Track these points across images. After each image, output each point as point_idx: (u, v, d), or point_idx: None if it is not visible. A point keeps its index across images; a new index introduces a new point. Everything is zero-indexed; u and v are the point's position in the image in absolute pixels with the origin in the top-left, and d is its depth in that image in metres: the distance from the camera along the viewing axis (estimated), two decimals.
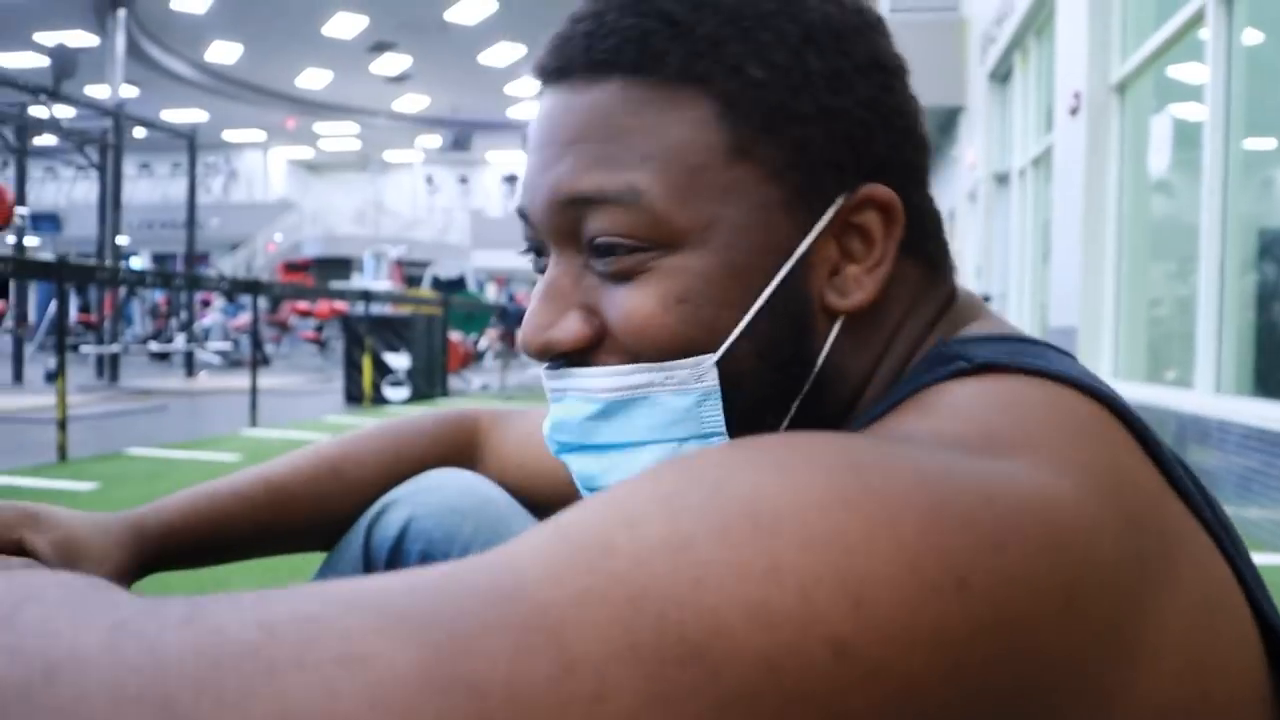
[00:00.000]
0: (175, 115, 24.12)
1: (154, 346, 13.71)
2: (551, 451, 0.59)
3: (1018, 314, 8.76)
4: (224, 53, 20.85)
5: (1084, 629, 0.36)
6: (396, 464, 0.88)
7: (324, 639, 0.31)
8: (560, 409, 0.56)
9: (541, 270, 0.58)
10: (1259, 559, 3.22)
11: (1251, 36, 4.50)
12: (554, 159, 0.54)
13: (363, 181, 32.71)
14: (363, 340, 8.56)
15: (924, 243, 0.58)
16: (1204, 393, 4.47)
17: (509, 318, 12.56)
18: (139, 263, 26.34)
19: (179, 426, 6.83)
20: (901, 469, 0.37)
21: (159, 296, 16.90)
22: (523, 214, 0.57)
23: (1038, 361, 0.48)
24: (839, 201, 0.54)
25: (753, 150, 0.52)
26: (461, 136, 25.37)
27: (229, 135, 29.04)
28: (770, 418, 0.55)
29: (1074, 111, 6.28)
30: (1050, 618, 0.35)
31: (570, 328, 0.54)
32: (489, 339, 14.95)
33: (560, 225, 0.54)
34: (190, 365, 11.98)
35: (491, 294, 20.07)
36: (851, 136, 0.54)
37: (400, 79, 22.95)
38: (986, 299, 8.82)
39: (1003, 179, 9.50)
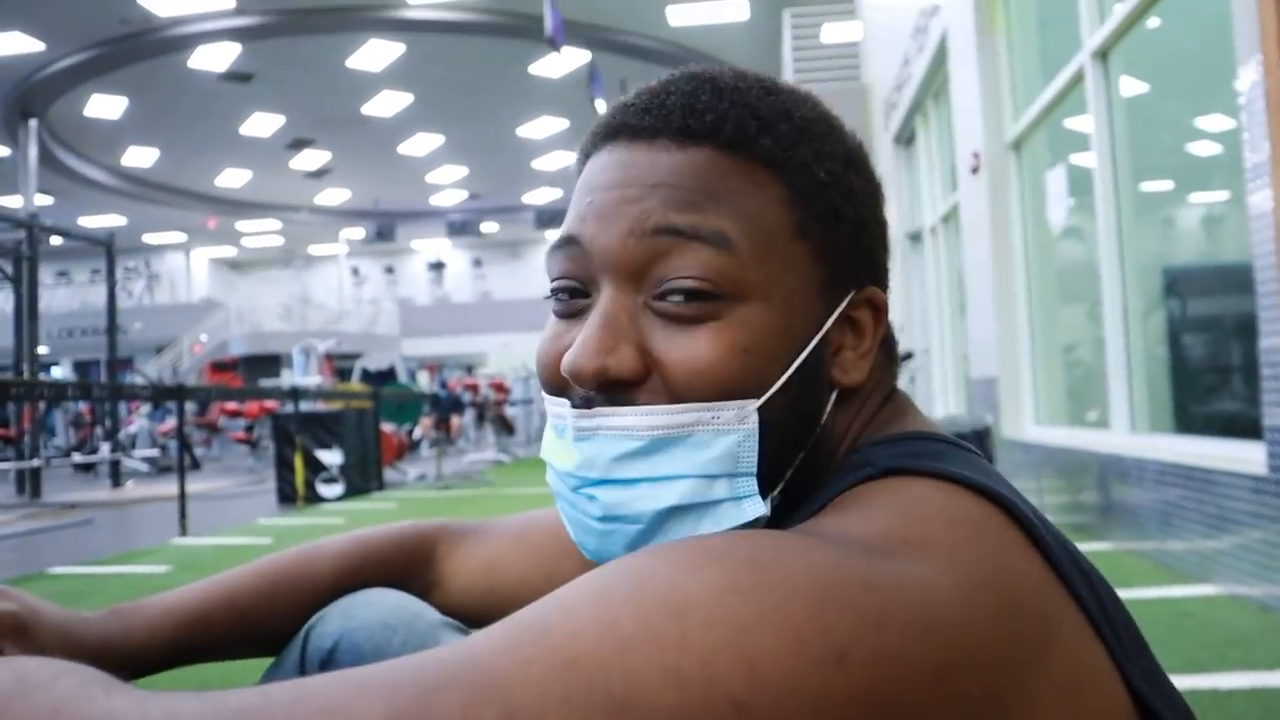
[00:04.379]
0: (93, 221, 23.79)
1: (78, 458, 13.32)
2: (567, 489, 0.61)
3: (940, 368, 8.94)
4: (140, 157, 20.63)
5: (957, 704, 0.42)
6: (352, 578, 0.93)
7: (312, 699, 0.40)
8: (590, 447, 0.59)
9: (565, 314, 0.62)
10: (1182, 591, 3.31)
11: (1132, 88, 4.73)
12: (638, 196, 0.58)
13: (288, 277, 32.42)
14: (293, 438, 8.43)
15: (890, 341, 0.69)
16: (1120, 432, 4.60)
17: (442, 406, 12.46)
18: (60, 372, 25.68)
19: (105, 540, 6.62)
20: (796, 563, 0.43)
21: (82, 406, 16.46)
22: (574, 240, 0.60)
23: (936, 464, 0.55)
24: (852, 294, 0.63)
25: (809, 234, 0.61)
26: (385, 227, 25.38)
27: (149, 238, 28.66)
28: (781, 466, 0.61)
29: (975, 170, 6.51)
30: (924, 692, 0.41)
31: (627, 357, 0.57)
32: (423, 428, 14.81)
33: (633, 259, 0.58)
34: (116, 475, 11.66)
35: (424, 381, 19.93)
36: (869, 244, 0.65)
37: (320, 174, 22.92)
38: (909, 356, 8.97)
39: (915, 237, 9.77)
